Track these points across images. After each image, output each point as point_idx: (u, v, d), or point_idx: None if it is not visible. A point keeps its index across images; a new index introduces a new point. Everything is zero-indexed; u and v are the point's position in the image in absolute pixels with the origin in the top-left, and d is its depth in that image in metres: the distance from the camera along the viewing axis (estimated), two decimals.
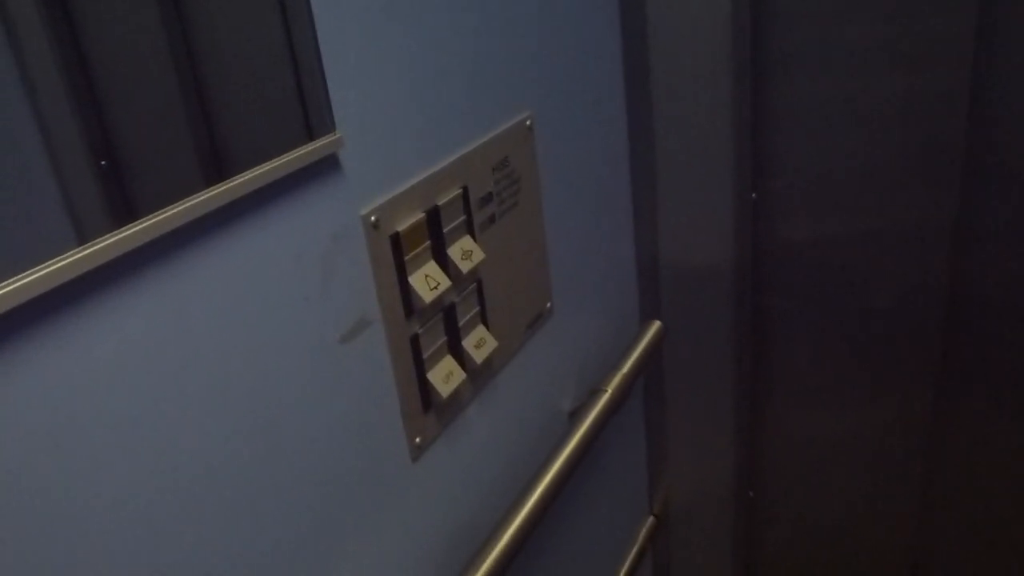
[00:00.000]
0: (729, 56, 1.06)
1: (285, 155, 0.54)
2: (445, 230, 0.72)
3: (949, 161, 1.07)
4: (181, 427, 0.50)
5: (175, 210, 0.46)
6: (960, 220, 1.10)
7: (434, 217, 0.71)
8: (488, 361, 0.81)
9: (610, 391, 1.01)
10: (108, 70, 0.44)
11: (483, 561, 0.76)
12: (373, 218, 0.64)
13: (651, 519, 1.38)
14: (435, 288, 0.70)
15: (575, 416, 0.97)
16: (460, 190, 0.74)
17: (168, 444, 0.49)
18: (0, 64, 0.39)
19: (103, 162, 0.44)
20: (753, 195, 1.15)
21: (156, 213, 0.46)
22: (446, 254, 0.73)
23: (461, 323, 0.76)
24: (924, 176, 1.09)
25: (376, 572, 0.69)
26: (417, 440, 0.72)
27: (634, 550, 1.30)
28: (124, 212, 0.44)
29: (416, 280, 0.69)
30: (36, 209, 0.41)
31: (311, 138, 0.56)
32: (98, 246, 0.42)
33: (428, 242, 0.70)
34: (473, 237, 0.77)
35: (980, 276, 1.13)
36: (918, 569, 1.38)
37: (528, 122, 0.85)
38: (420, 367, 0.71)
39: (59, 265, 0.41)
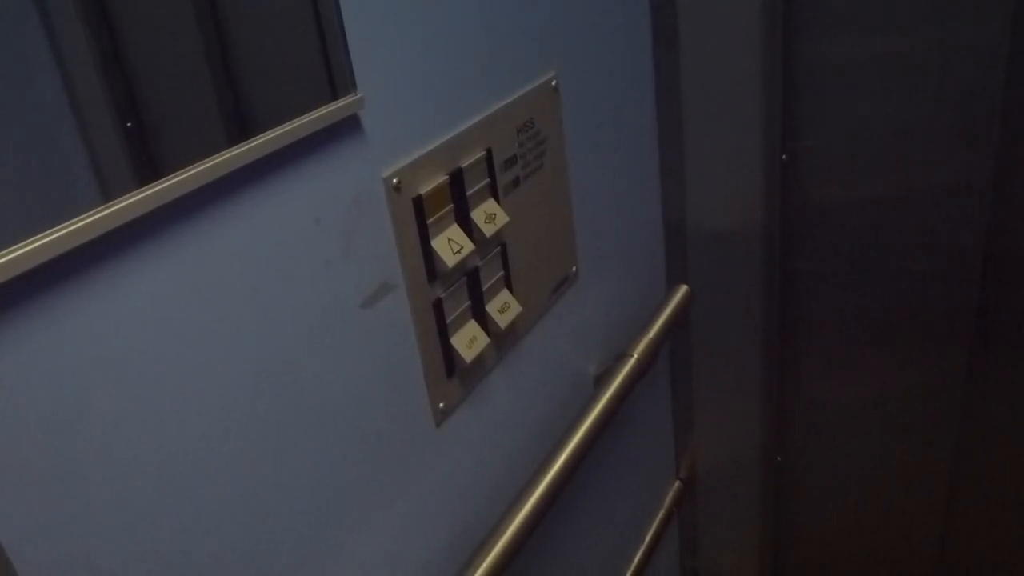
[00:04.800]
0: (759, 12, 1.03)
1: (305, 115, 0.53)
2: (468, 193, 0.71)
3: (986, 119, 1.04)
4: (197, 391, 0.49)
5: (193, 171, 0.46)
6: (997, 180, 1.07)
7: (457, 180, 0.70)
8: (512, 326, 0.80)
9: (636, 356, 1.00)
10: (133, 32, 0.44)
11: (508, 526, 0.76)
12: (395, 180, 0.63)
13: (678, 483, 1.38)
14: (458, 252, 0.69)
15: (601, 381, 0.97)
16: (484, 152, 0.73)
17: (184, 409, 0.49)
18: (28, 29, 0.39)
19: (129, 123, 0.44)
20: (783, 156, 1.13)
21: (176, 173, 0.45)
22: (469, 217, 0.72)
23: (485, 287, 0.75)
24: (960, 135, 1.06)
25: (401, 536, 0.69)
26: (441, 405, 0.71)
27: (660, 514, 1.30)
28: (148, 172, 0.44)
29: (439, 244, 0.68)
30: (63, 170, 0.41)
31: (332, 98, 0.55)
32: (119, 205, 0.42)
33: (451, 205, 0.69)
34: (497, 200, 0.75)
35: (1017, 237, 1.10)
36: (947, 536, 1.37)
37: (553, 83, 0.84)
38: (443, 332, 0.70)
39: (79, 225, 0.40)
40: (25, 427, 0.40)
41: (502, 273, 0.78)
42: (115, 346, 0.44)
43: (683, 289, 1.16)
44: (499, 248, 0.77)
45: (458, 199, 0.70)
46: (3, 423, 0.39)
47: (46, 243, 0.39)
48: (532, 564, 0.90)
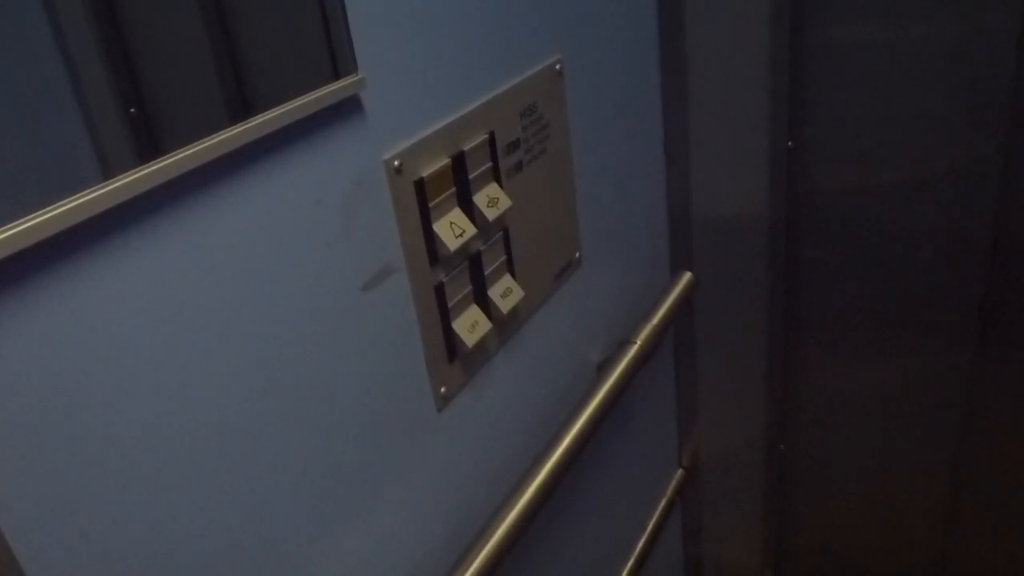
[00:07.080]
0: None
1: (305, 96, 0.52)
2: (471, 176, 0.71)
3: (995, 107, 1.03)
4: (195, 374, 0.49)
5: (190, 151, 0.45)
6: (1005, 169, 1.06)
7: (459, 163, 0.69)
8: (514, 311, 0.79)
9: (639, 343, 0.99)
10: (135, 17, 0.43)
11: (509, 512, 0.76)
12: (396, 163, 0.62)
13: (680, 472, 1.37)
14: (460, 236, 0.68)
15: (604, 368, 0.96)
16: (486, 136, 0.72)
17: (181, 392, 0.48)
18: (32, 17, 0.39)
19: (132, 108, 0.44)
20: (789, 142, 1.12)
21: (171, 153, 0.45)
22: (472, 201, 0.71)
23: (487, 272, 0.75)
24: (969, 123, 1.05)
25: (403, 520, 0.69)
26: (443, 390, 0.71)
27: (663, 502, 1.30)
28: (145, 152, 0.44)
29: (441, 227, 0.67)
30: (56, 150, 0.40)
31: (333, 79, 0.55)
32: (115, 185, 0.42)
33: (453, 188, 0.69)
34: (499, 184, 0.75)
35: None
36: (950, 526, 1.36)
37: (558, 66, 0.83)
38: (445, 316, 0.70)
39: (74, 204, 0.40)
40: (17, 415, 0.40)
41: (504, 258, 0.77)
42: (113, 327, 0.44)
43: (687, 276, 1.15)
44: (501, 233, 0.76)
45: (460, 183, 0.70)
46: None
47: (41, 221, 0.38)
48: (533, 551, 0.90)
